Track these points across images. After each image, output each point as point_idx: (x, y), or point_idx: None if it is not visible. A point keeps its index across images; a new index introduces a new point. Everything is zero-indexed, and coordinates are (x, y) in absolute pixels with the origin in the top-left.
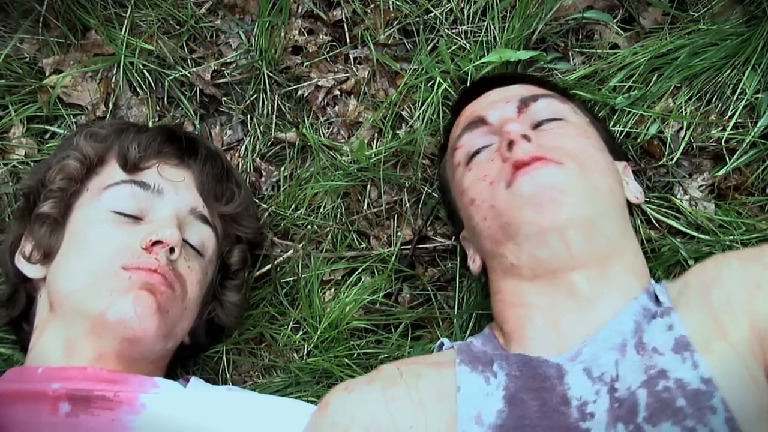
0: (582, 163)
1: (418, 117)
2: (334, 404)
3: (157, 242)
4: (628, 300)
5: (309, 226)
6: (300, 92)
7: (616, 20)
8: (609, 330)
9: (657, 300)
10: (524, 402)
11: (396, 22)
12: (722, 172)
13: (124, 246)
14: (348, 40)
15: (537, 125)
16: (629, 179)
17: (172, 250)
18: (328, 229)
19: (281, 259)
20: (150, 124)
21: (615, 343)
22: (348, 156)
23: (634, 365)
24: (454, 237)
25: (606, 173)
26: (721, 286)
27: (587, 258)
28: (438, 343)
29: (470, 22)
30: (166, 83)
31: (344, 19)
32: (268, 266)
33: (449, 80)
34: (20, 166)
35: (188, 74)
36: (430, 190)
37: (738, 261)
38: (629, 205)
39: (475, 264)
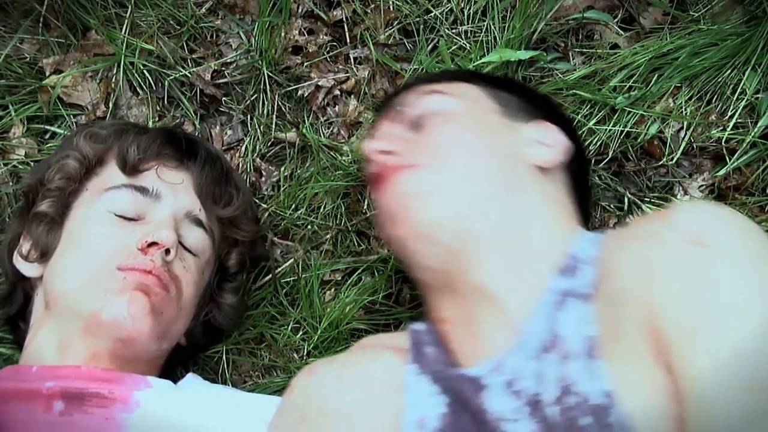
0: (448, 156)
1: None
2: (297, 386)
3: (152, 243)
4: (542, 289)
5: (309, 227)
6: (300, 92)
7: (616, 20)
8: (527, 334)
9: (574, 273)
10: (461, 411)
11: (396, 22)
12: (722, 172)
13: (120, 246)
14: (348, 40)
15: (418, 126)
16: (547, 139)
17: (167, 251)
18: (328, 230)
19: (283, 267)
20: (150, 124)
21: (534, 349)
22: (348, 156)
23: (552, 375)
24: None
25: (488, 153)
26: (618, 275)
27: (481, 253)
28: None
29: (470, 22)
30: (166, 83)
31: (344, 19)
32: (269, 276)
33: None
34: (20, 166)
35: (188, 74)
36: None
37: (633, 242)
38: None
39: None
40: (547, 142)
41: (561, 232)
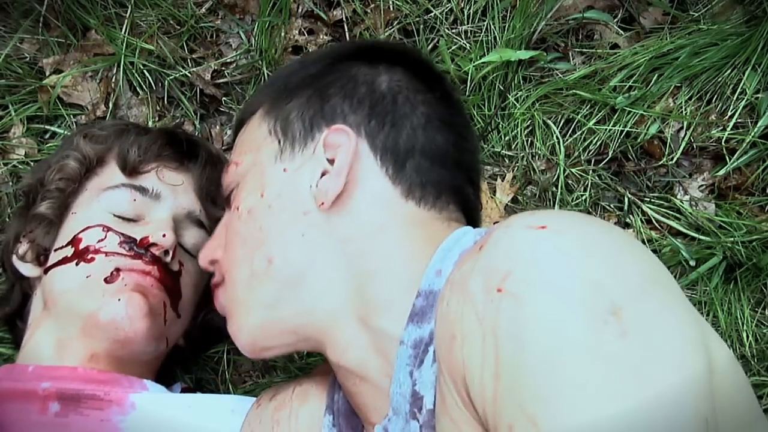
0: (238, 261)
1: None
2: (247, 417)
3: (151, 244)
4: (395, 345)
5: None
6: None
7: (616, 20)
8: (395, 397)
9: (428, 313)
10: None
11: (396, 22)
12: (722, 172)
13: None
14: (348, 40)
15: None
16: (329, 157)
17: (166, 252)
18: None
19: None
20: (150, 124)
21: (404, 413)
22: None
23: None
24: None
25: (280, 231)
26: (436, 334)
27: (323, 338)
28: None
29: (470, 21)
30: (167, 83)
31: (344, 19)
32: None
33: (449, 80)
34: (20, 166)
35: (188, 74)
36: None
37: (448, 293)
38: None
39: None
40: (332, 158)
41: (407, 266)
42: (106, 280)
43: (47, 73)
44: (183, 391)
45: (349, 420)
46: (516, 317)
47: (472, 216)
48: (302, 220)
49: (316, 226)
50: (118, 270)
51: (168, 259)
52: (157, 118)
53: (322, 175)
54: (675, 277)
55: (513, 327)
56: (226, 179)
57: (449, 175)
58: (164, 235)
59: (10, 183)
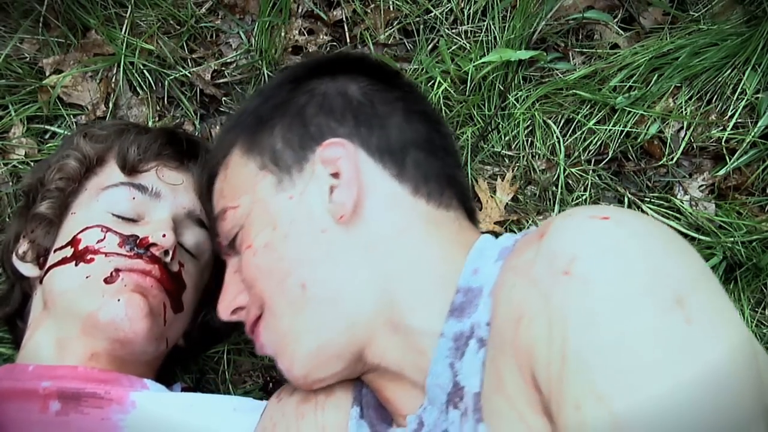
0: (269, 291)
1: None
2: (267, 410)
3: (151, 245)
4: (434, 339)
5: None
6: None
7: (616, 20)
8: (432, 388)
9: (470, 308)
10: None
11: (396, 22)
12: (722, 172)
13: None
14: (348, 40)
15: (231, 251)
16: (332, 173)
17: (166, 252)
18: None
19: None
20: (150, 123)
21: (442, 402)
22: None
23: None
24: None
25: (299, 252)
26: (498, 316)
27: (365, 343)
28: None
29: (470, 22)
30: (167, 83)
31: (344, 19)
32: None
33: (449, 80)
34: (20, 166)
35: (188, 74)
36: None
37: (512, 276)
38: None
39: None
40: (336, 171)
41: (436, 266)
42: (105, 281)
43: (47, 73)
44: (183, 390)
45: (379, 411)
46: (584, 299)
47: (469, 205)
48: (323, 239)
49: (337, 241)
50: (117, 270)
51: (168, 259)
52: (157, 118)
53: (331, 191)
54: None
55: (581, 308)
56: (224, 227)
57: (443, 164)
58: (164, 235)
59: (10, 183)
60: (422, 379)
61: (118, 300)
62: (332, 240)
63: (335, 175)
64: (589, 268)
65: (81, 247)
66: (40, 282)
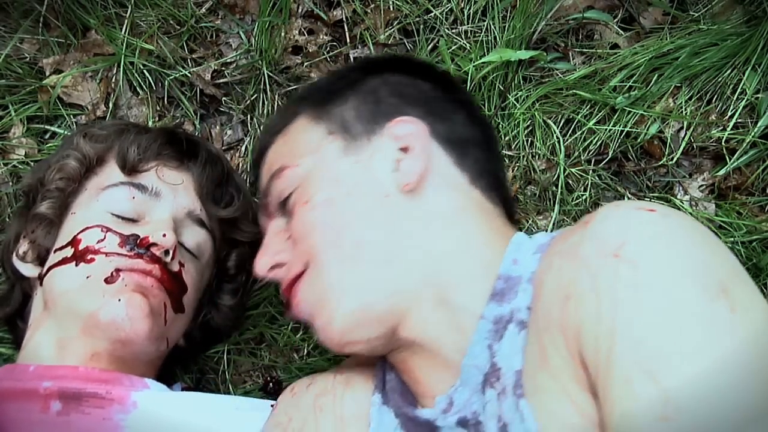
0: (322, 246)
1: None
2: (280, 404)
3: (152, 244)
4: (474, 320)
5: None
6: None
7: (616, 20)
8: (467, 368)
9: (509, 297)
10: None
11: (396, 22)
12: (722, 172)
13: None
14: (348, 40)
15: (286, 213)
16: (404, 146)
17: (166, 252)
18: None
19: None
20: (150, 124)
21: (477, 382)
22: None
23: (493, 411)
24: None
25: (358, 212)
26: (543, 297)
27: (401, 307)
28: None
29: (470, 21)
30: (167, 83)
31: (344, 19)
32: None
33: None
34: (20, 166)
35: (188, 74)
36: None
37: (557, 259)
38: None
39: None
40: (401, 155)
41: (483, 251)
42: (106, 281)
43: (47, 73)
44: (183, 390)
45: (404, 396)
46: (635, 281)
47: (510, 207)
48: (384, 203)
49: (398, 207)
50: (118, 270)
51: (168, 259)
52: (157, 118)
53: (397, 164)
54: None
55: (632, 289)
56: (278, 186)
57: (495, 166)
58: (164, 235)
59: (10, 183)
60: (458, 358)
61: (119, 300)
62: (394, 205)
63: (403, 150)
64: (639, 253)
65: (81, 247)
66: (41, 282)
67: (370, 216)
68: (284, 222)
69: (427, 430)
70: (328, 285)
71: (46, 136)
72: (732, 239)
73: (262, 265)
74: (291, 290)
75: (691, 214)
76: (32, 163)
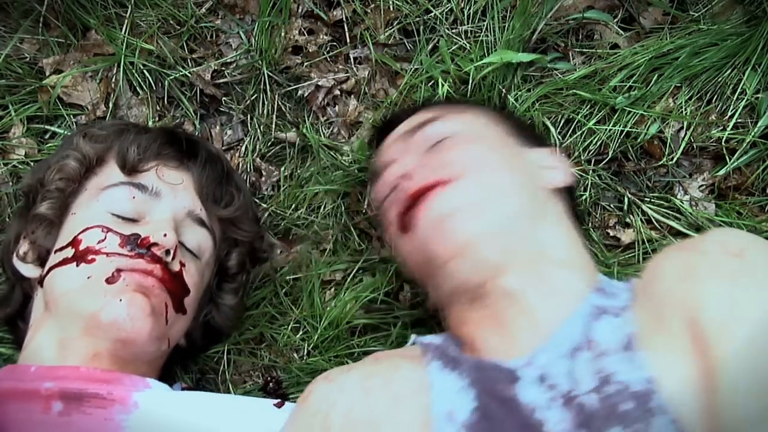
0: (475, 169)
1: None
2: (315, 393)
3: (153, 244)
4: (578, 300)
5: (309, 227)
6: (300, 92)
7: (616, 20)
8: (559, 335)
9: (610, 296)
10: (490, 404)
11: (396, 22)
12: (722, 172)
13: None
14: (348, 40)
15: (429, 149)
16: (555, 163)
17: (167, 252)
18: (329, 230)
19: (284, 268)
20: (150, 124)
21: (567, 348)
22: (348, 156)
23: (586, 370)
24: None
25: (509, 169)
26: (662, 278)
27: (508, 262)
28: (410, 342)
29: (470, 22)
30: (167, 83)
31: (344, 19)
32: (269, 277)
33: (450, 80)
34: (20, 166)
35: (188, 74)
36: None
37: (677, 253)
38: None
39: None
40: (554, 165)
41: (582, 252)
42: (107, 281)
43: (47, 73)
44: (183, 390)
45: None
46: (755, 275)
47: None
48: (536, 186)
49: (544, 195)
50: (119, 271)
51: (169, 259)
52: (157, 118)
53: (548, 169)
54: None
55: (751, 280)
56: (437, 127)
57: (578, 208)
58: (165, 235)
59: (10, 183)
60: (552, 323)
61: (120, 300)
62: (539, 189)
63: (551, 168)
64: (759, 258)
65: (82, 247)
66: (41, 283)
67: (527, 186)
68: (417, 154)
69: (508, 379)
70: (473, 200)
71: (46, 136)
72: None
73: (394, 171)
74: (420, 197)
75: (690, 214)
76: (32, 163)
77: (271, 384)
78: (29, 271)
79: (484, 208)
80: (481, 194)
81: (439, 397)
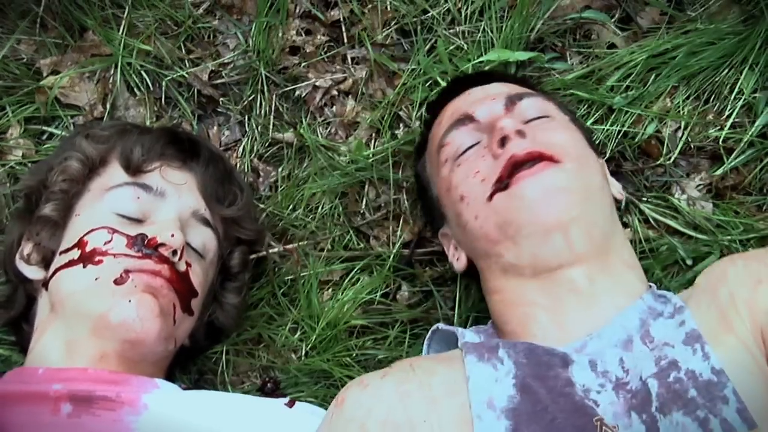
0: (577, 159)
1: (416, 117)
2: (350, 399)
3: (160, 245)
4: (634, 298)
5: (307, 227)
6: (298, 92)
7: (613, 20)
8: (614, 326)
9: (662, 301)
10: (533, 387)
11: (393, 23)
12: (720, 171)
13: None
14: (345, 41)
15: (526, 123)
16: (608, 176)
17: (174, 252)
18: (326, 230)
19: (282, 268)
20: (147, 124)
21: (620, 339)
22: (346, 156)
23: (643, 357)
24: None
25: (596, 168)
26: (727, 283)
27: (587, 254)
28: (433, 328)
29: (467, 22)
30: (164, 84)
31: (342, 19)
32: (267, 277)
33: (447, 80)
34: (17, 167)
35: (186, 75)
36: None
37: (742, 261)
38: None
39: (459, 262)
40: (611, 179)
41: (636, 258)
42: (115, 282)
43: (44, 74)
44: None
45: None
46: None
47: None
48: (610, 192)
49: (611, 200)
50: (127, 271)
51: (176, 259)
52: (154, 119)
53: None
54: (672, 275)
55: None
56: (534, 103)
57: None
58: (173, 235)
59: (8, 184)
60: (604, 309)
61: (129, 301)
62: (610, 196)
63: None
64: None
65: (88, 249)
66: (45, 285)
67: (606, 186)
68: (521, 122)
69: (560, 363)
70: (580, 188)
71: (44, 137)
72: (729, 238)
73: (511, 125)
74: (526, 158)
75: (688, 213)
76: (29, 164)
77: (268, 384)
78: (33, 273)
79: (588, 197)
80: (586, 184)
81: (477, 387)
